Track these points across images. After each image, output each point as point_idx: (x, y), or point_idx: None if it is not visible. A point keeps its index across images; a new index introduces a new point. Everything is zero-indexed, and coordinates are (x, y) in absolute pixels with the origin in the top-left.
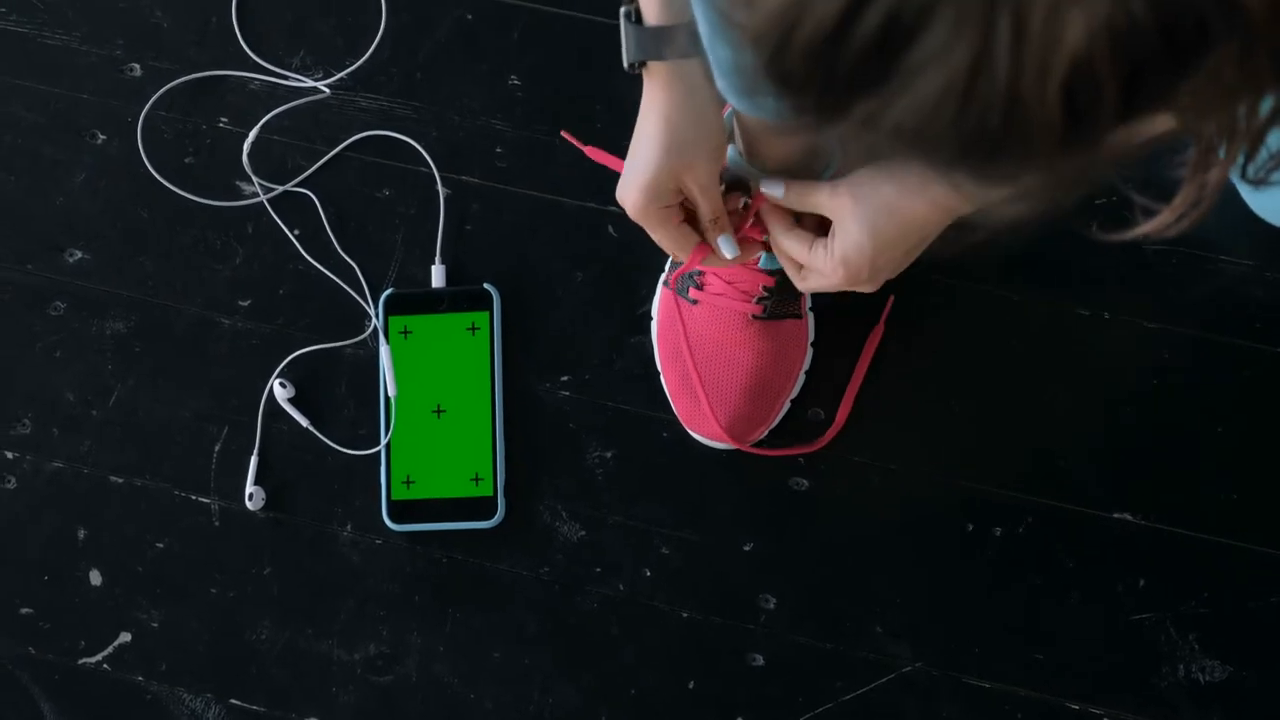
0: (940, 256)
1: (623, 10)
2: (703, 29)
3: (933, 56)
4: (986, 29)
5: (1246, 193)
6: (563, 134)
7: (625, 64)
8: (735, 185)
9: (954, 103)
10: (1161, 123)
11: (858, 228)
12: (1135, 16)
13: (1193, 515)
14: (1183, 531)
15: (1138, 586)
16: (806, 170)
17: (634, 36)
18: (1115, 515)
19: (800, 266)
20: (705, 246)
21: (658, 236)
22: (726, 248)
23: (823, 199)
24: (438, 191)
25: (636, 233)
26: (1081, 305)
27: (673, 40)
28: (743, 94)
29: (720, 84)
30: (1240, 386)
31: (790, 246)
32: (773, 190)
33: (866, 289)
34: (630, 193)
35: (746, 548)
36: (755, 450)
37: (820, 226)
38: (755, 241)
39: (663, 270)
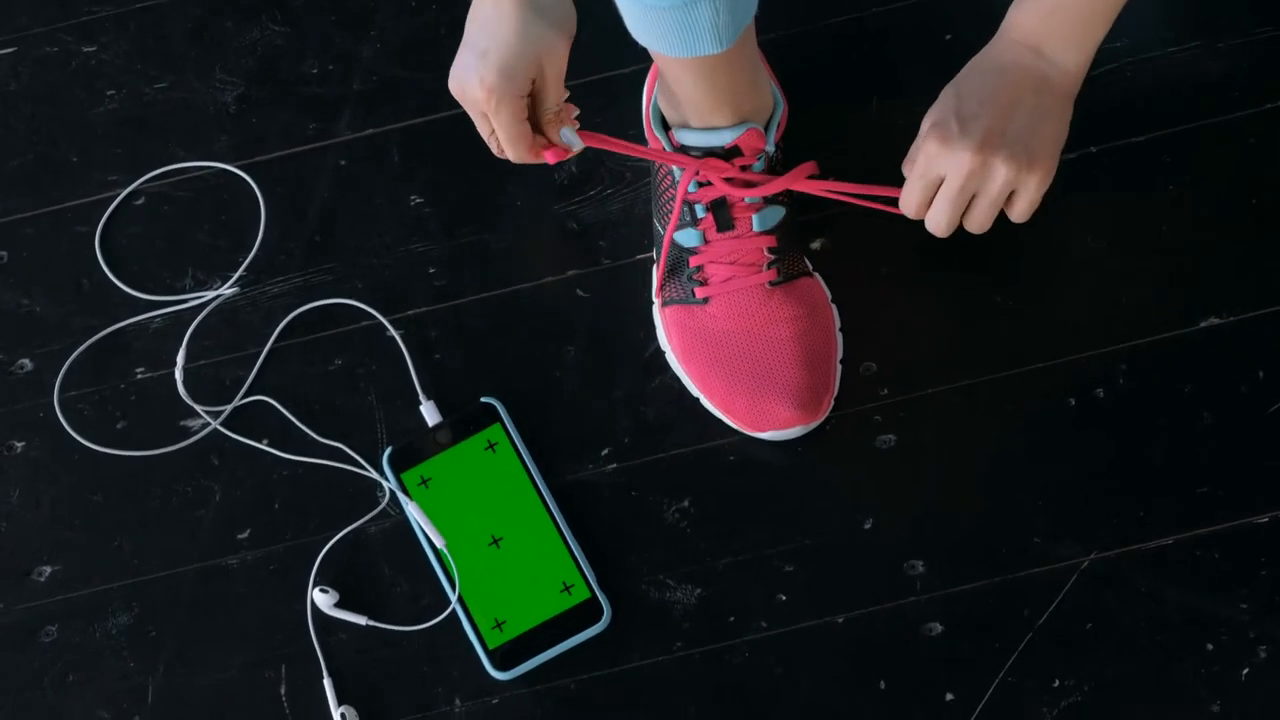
0: None
1: None
2: None
3: None
4: None
5: None
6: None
7: None
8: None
9: None
10: None
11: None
12: None
13: (1273, 291)
14: (1272, 309)
15: (1259, 379)
16: (756, 112)
17: None
18: (1202, 324)
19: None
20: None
21: (503, 125)
22: (571, 139)
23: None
24: (391, 336)
25: (608, 285)
26: (1065, 151)
27: None
28: None
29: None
30: (1256, 153)
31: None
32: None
33: (969, 158)
34: (486, 75)
35: (867, 526)
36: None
37: None
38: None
39: (651, 303)
